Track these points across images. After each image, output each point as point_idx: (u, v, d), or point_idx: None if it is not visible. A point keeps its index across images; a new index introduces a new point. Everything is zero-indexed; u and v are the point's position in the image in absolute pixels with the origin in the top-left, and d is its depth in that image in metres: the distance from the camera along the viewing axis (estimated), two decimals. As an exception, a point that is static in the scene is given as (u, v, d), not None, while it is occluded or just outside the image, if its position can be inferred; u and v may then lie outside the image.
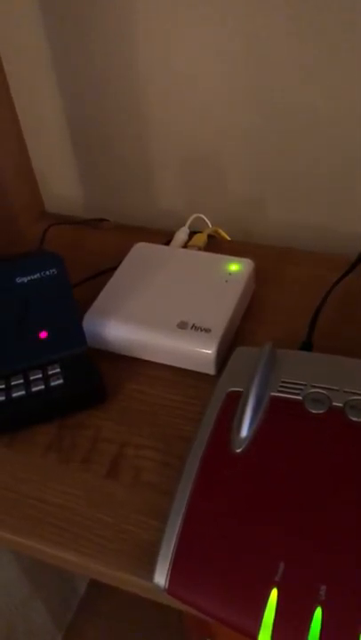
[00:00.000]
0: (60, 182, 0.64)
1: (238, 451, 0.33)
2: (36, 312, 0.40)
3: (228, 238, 0.56)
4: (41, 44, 0.55)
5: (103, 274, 0.50)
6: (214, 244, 0.55)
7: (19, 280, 0.38)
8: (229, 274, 0.46)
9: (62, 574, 0.85)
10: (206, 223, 0.56)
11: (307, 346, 0.42)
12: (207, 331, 0.42)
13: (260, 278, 0.49)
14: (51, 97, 0.58)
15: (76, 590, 0.90)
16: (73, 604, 0.89)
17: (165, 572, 0.30)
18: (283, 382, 0.36)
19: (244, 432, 0.34)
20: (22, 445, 0.40)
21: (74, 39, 0.54)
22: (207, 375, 0.43)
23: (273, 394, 0.36)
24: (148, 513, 0.36)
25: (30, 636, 0.78)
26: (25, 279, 0.38)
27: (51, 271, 0.39)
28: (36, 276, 0.38)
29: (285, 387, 0.36)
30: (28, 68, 0.57)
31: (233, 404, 0.36)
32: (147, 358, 0.44)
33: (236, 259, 0.47)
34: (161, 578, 0.30)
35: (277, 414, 0.35)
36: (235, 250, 0.51)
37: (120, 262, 0.50)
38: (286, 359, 0.38)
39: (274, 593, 0.28)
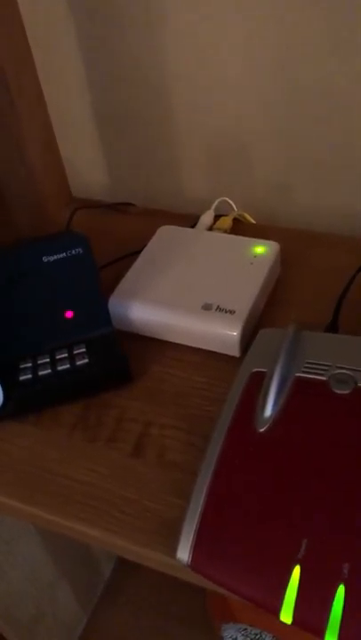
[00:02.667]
0: (87, 168, 0.65)
1: (262, 430, 0.33)
2: (62, 292, 0.40)
3: (254, 222, 0.56)
4: (69, 29, 0.55)
5: (128, 257, 0.51)
6: (239, 228, 0.54)
7: (45, 259, 0.39)
8: (255, 256, 0.46)
9: (88, 558, 0.86)
10: (232, 207, 0.56)
11: (332, 328, 0.42)
12: (232, 312, 0.42)
13: (285, 261, 0.49)
14: (77, 82, 0.59)
15: (102, 574, 0.91)
16: (98, 587, 0.90)
17: (188, 548, 0.30)
18: (308, 363, 0.36)
19: (269, 411, 0.34)
20: (48, 424, 0.41)
21: (102, 24, 0.54)
22: (231, 357, 0.43)
23: (298, 374, 0.36)
24: (172, 491, 0.36)
25: (57, 618, 0.79)
26: (51, 258, 0.39)
27: (76, 250, 0.39)
28: (62, 255, 0.39)
29: (310, 367, 0.36)
30: (56, 54, 0.57)
31: (257, 384, 0.36)
32: (171, 340, 0.44)
33: (262, 241, 0.47)
34: (184, 554, 0.30)
35: (302, 394, 0.35)
36: (260, 233, 0.50)
37: (145, 245, 0.50)
38: (311, 340, 0.38)
39: (297, 570, 0.28)
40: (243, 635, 0.69)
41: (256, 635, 0.69)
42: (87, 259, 0.40)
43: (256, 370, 0.37)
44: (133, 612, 0.89)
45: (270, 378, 0.35)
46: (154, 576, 0.92)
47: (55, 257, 0.39)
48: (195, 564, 0.30)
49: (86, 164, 0.65)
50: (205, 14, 0.50)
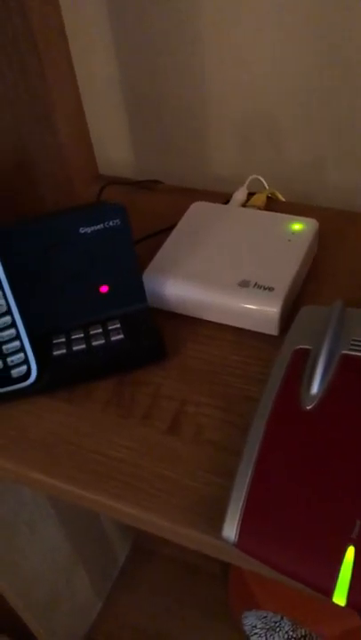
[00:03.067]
0: (114, 146, 0.63)
1: (309, 407, 0.32)
2: (97, 265, 0.39)
3: (284, 200, 0.55)
4: (99, 7, 0.54)
5: (159, 233, 0.49)
6: (273, 206, 0.53)
7: (82, 230, 0.37)
8: (293, 233, 0.45)
9: (103, 543, 0.85)
10: (263, 185, 0.55)
11: (375, 306, 0.41)
12: (270, 289, 0.41)
13: (320, 240, 0.48)
14: (106, 59, 0.57)
15: (117, 559, 0.90)
16: (113, 572, 0.90)
17: (235, 525, 0.29)
18: (354, 340, 0.35)
19: (315, 389, 0.33)
20: (81, 400, 0.40)
21: (129, 5, 0.53)
22: (268, 336, 0.42)
23: (344, 352, 0.34)
24: (211, 469, 0.35)
25: (72, 601, 0.79)
26: (88, 230, 0.37)
27: (114, 222, 0.38)
28: (99, 226, 0.38)
29: (357, 345, 0.35)
30: (86, 31, 0.56)
31: (301, 362, 0.35)
32: (206, 318, 0.43)
33: (300, 218, 0.46)
34: (230, 532, 0.29)
35: (348, 372, 0.34)
36: (294, 211, 0.49)
37: (176, 222, 0.49)
38: (356, 318, 0.37)
39: (351, 551, 0.27)
40: (263, 622, 0.68)
41: (276, 622, 0.69)
42: (124, 231, 0.39)
43: (299, 347, 0.36)
44: (148, 597, 0.88)
45: (317, 355, 0.34)
46: (168, 562, 0.91)
47: (92, 228, 0.37)
48: (242, 543, 0.29)
49: (113, 141, 0.63)
50: (243, -16, 0.49)
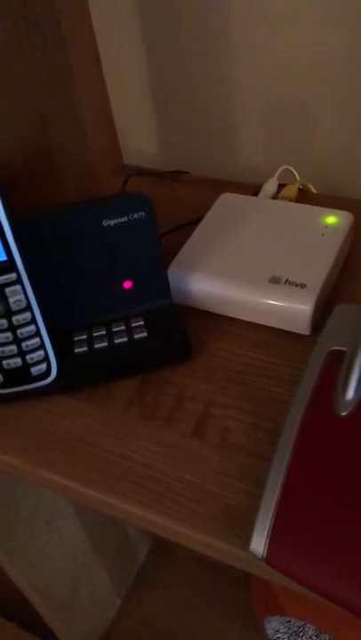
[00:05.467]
0: (139, 135, 0.62)
1: (344, 414, 0.30)
2: (121, 259, 0.37)
3: (315, 192, 0.52)
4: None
5: (185, 226, 0.47)
6: (304, 198, 0.51)
7: (105, 223, 0.36)
8: (326, 227, 0.42)
9: (123, 541, 0.84)
10: (294, 176, 0.52)
11: None
12: (302, 286, 0.38)
13: (356, 234, 0.45)
14: (132, 48, 0.55)
15: (136, 558, 0.89)
16: (132, 571, 0.88)
17: (264, 539, 0.27)
18: (392, 342, 0.33)
19: (351, 394, 0.31)
20: (103, 400, 0.38)
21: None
22: (298, 335, 0.39)
23: (382, 354, 0.32)
24: (237, 476, 0.33)
25: (92, 598, 0.78)
26: (112, 222, 0.36)
27: (139, 214, 0.36)
28: (124, 219, 0.36)
29: (395, 347, 0.32)
30: (113, 20, 0.54)
31: (336, 365, 0.33)
32: (233, 315, 0.41)
33: (334, 211, 0.43)
34: (259, 546, 0.27)
35: (387, 376, 0.31)
36: (327, 203, 0.47)
37: (203, 215, 0.47)
38: (395, 318, 0.34)
39: (389, 570, 0.25)
40: (286, 626, 0.67)
41: (299, 627, 0.67)
42: (149, 225, 0.37)
43: (334, 348, 0.33)
44: (167, 596, 0.87)
45: (353, 357, 0.32)
46: (188, 561, 0.90)
47: (116, 221, 0.36)
48: (270, 559, 0.27)
49: (137, 131, 0.61)
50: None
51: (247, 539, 0.29)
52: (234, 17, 0.50)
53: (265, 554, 0.27)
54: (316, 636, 0.68)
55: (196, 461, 0.34)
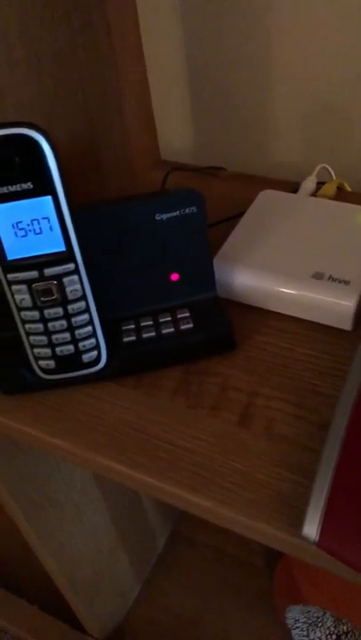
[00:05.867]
0: (176, 131, 0.63)
1: (392, 407, 0.31)
2: (170, 252, 0.38)
3: (350, 190, 0.53)
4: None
5: (226, 221, 0.49)
6: (341, 196, 0.52)
7: (158, 217, 0.37)
8: (367, 225, 0.43)
9: (144, 528, 0.86)
10: (331, 175, 0.53)
11: None
12: (346, 283, 0.39)
13: (394, 234, 0.46)
14: (173, 45, 0.56)
15: (156, 546, 0.91)
16: (152, 559, 0.90)
17: (316, 524, 0.28)
18: None
19: None
20: (149, 388, 0.39)
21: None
22: (340, 330, 0.41)
23: None
24: (284, 465, 0.34)
25: (113, 584, 0.79)
26: (164, 216, 0.37)
27: (190, 209, 0.37)
28: (176, 213, 0.37)
29: None
30: (157, 19, 0.55)
31: (382, 359, 0.34)
32: (275, 309, 0.42)
33: (376, 210, 0.44)
34: (311, 530, 0.28)
35: None
36: (363, 202, 0.48)
37: (243, 210, 0.48)
38: None
39: None
40: (305, 616, 0.68)
41: (318, 617, 0.68)
42: (200, 219, 0.38)
43: (380, 344, 0.34)
44: (185, 584, 0.89)
45: None
46: (207, 550, 0.91)
47: (168, 215, 0.37)
48: (323, 542, 0.28)
49: (175, 127, 0.62)
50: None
51: (294, 524, 0.30)
52: (275, 16, 0.51)
53: (317, 538, 0.28)
54: (335, 627, 0.69)
55: (242, 450, 0.35)
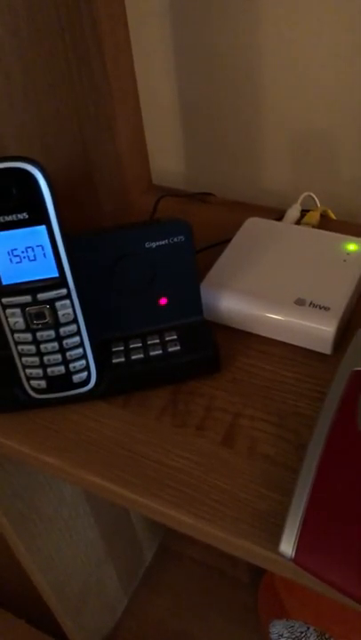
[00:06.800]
0: (167, 157, 0.65)
1: (366, 429, 0.33)
2: (159, 278, 0.40)
3: (335, 218, 0.56)
4: (161, 21, 0.55)
5: (213, 247, 0.50)
6: (324, 224, 0.54)
7: (148, 245, 0.39)
8: (348, 253, 0.45)
9: (132, 542, 0.87)
10: (315, 202, 0.55)
11: None
12: (326, 309, 0.41)
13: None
14: (164, 72, 0.59)
15: (143, 561, 0.92)
16: (139, 573, 0.91)
17: (293, 541, 0.30)
18: None
19: (373, 411, 0.34)
20: (137, 408, 0.41)
21: (191, 17, 0.54)
22: (321, 354, 0.42)
23: None
24: (265, 484, 0.36)
25: (100, 598, 0.80)
26: (153, 244, 0.39)
27: (178, 238, 0.39)
28: (164, 242, 0.39)
29: None
30: (148, 46, 0.57)
31: (359, 384, 0.35)
32: (260, 333, 0.44)
33: (355, 238, 0.46)
34: (288, 547, 0.30)
35: None
36: (346, 230, 0.50)
37: (230, 236, 0.50)
38: None
39: None
40: (289, 631, 0.69)
41: (302, 632, 0.69)
42: (187, 247, 0.40)
43: (357, 369, 0.36)
44: (172, 598, 0.90)
45: (375, 377, 0.35)
46: (194, 565, 0.92)
47: (157, 243, 0.39)
48: (299, 559, 0.30)
49: (166, 152, 0.65)
50: (301, 10, 0.49)
51: (273, 541, 0.32)
52: (261, 46, 0.53)
53: (293, 555, 0.30)
54: (318, 641, 0.70)
55: (225, 468, 0.37)
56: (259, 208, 0.57)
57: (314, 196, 0.55)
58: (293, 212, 0.53)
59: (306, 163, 0.59)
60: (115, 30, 0.49)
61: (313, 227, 0.52)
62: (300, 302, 0.42)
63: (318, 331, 0.41)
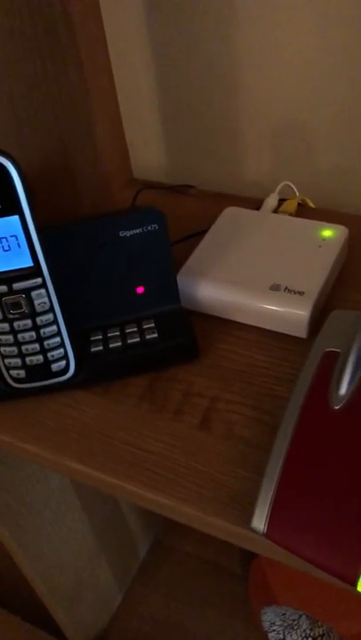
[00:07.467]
0: (148, 149, 0.65)
1: (337, 407, 0.34)
2: (135, 267, 0.41)
3: (314, 207, 0.56)
4: (138, 12, 0.56)
5: (192, 237, 0.51)
6: (302, 212, 0.55)
7: (122, 234, 0.39)
8: (323, 239, 0.46)
9: (125, 537, 0.87)
10: (294, 191, 0.56)
11: None
12: (301, 293, 0.42)
13: (350, 247, 0.49)
14: (142, 63, 0.59)
15: (138, 555, 0.92)
16: (134, 567, 0.91)
17: (264, 516, 0.31)
18: (381, 344, 0.36)
19: (344, 389, 0.34)
20: (116, 395, 0.42)
21: (169, 10, 0.55)
22: (297, 338, 0.43)
23: (372, 355, 0.36)
24: (241, 464, 0.36)
25: (95, 592, 0.81)
26: (128, 233, 0.39)
27: (152, 226, 0.40)
28: (139, 230, 0.39)
29: (384, 349, 0.36)
30: (125, 37, 0.58)
31: (330, 364, 0.36)
32: (237, 319, 0.45)
33: (330, 225, 0.47)
34: (260, 522, 0.31)
35: (376, 374, 0.35)
36: (324, 218, 0.50)
37: (209, 227, 0.50)
38: (384, 323, 0.38)
39: (375, 543, 0.28)
40: (281, 619, 0.70)
41: (294, 620, 0.70)
42: (162, 236, 0.40)
43: (329, 350, 0.37)
44: (167, 592, 0.90)
45: (346, 357, 0.35)
46: (188, 558, 0.93)
47: (132, 232, 0.39)
48: (270, 533, 0.30)
49: (146, 145, 0.65)
50: (277, 2, 0.50)
51: (247, 519, 0.33)
52: (239, 38, 0.54)
53: (265, 529, 0.30)
54: (311, 629, 0.71)
55: (202, 451, 0.38)
56: (239, 199, 0.58)
57: (292, 185, 0.56)
58: (271, 201, 0.53)
59: (286, 153, 0.60)
60: (90, 28, 0.50)
61: (290, 215, 0.52)
62: (275, 288, 0.43)
63: (293, 315, 0.42)
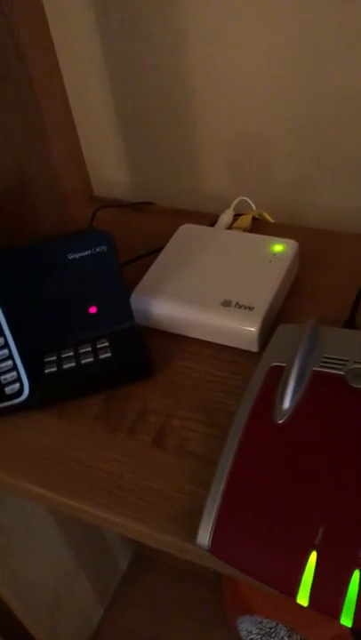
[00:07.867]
0: (108, 168, 0.66)
1: (280, 421, 0.34)
2: (86, 288, 0.42)
3: (272, 221, 0.57)
4: (92, 34, 0.57)
5: (149, 255, 0.52)
6: (259, 227, 0.55)
7: (70, 256, 0.40)
8: (273, 254, 0.47)
9: (105, 551, 0.87)
10: (251, 206, 0.57)
11: (350, 324, 0.43)
12: (250, 309, 0.43)
13: (304, 260, 0.50)
14: (100, 82, 0.60)
15: (118, 567, 0.92)
16: (115, 580, 0.92)
17: (208, 533, 0.31)
18: (325, 357, 0.37)
19: (287, 404, 0.35)
20: (72, 416, 0.42)
21: (122, 28, 0.55)
22: (249, 352, 0.44)
23: (315, 368, 0.37)
24: (192, 480, 0.37)
25: (75, 606, 0.81)
26: (76, 255, 0.40)
27: (101, 248, 0.40)
28: (87, 252, 0.40)
29: (328, 362, 0.37)
30: (79, 55, 0.59)
31: (276, 378, 0.37)
32: (191, 335, 0.45)
33: (281, 239, 0.48)
34: (204, 539, 0.31)
35: (319, 388, 0.36)
36: (279, 232, 0.51)
37: (165, 244, 0.51)
38: (329, 336, 0.39)
39: (313, 556, 0.29)
40: (258, 627, 0.70)
41: (271, 628, 0.70)
42: (111, 256, 0.41)
43: (275, 364, 0.38)
44: (149, 605, 0.90)
45: (289, 371, 0.36)
46: (169, 572, 0.93)
47: (80, 254, 0.40)
48: (214, 549, 0.31)
49: (107, 163, 0.66)
50: (229, 19, 0.51)
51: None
52: (193, 53, 0.55)
53: (209, 545, 0.31)
54: (288, 636, 0.71)
55: (156, 468, 0.38)
56: (197, 214, 0.59)
57: (248, 200, 0.57)
58: (226, 217, 0.54)
59: (244, 168, 0.61)
60: (41, 55, 0.51)
61: (244, 230, 0.53)
62: (226, 304, 0.44)
63: (243, 330, 0.42)
